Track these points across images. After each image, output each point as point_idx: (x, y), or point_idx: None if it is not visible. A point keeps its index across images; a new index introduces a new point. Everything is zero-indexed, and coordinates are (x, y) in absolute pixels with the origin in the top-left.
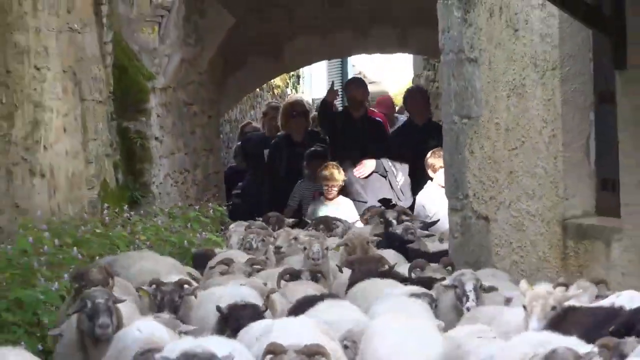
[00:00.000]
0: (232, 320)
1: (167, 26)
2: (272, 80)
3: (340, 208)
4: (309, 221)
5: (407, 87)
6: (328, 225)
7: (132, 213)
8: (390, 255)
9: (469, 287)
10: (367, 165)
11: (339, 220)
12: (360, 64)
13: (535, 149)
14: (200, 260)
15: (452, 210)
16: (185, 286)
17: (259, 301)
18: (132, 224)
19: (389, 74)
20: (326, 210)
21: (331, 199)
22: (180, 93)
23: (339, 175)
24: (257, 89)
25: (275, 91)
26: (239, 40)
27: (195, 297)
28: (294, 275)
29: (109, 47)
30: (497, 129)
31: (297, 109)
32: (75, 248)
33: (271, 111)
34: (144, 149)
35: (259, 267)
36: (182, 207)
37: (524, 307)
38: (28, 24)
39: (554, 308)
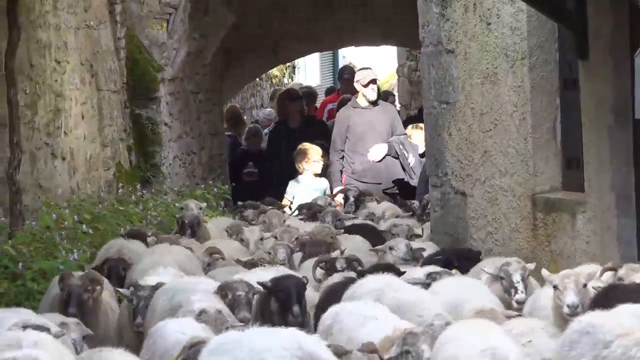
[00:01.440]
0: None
1: (175, 22)
2: (270, 71)
3: (313, 184)
4: (290, 200)
5: (392, 75)
6: (312, 210)
7: (144, 191)
8: (358, 241)
9: (517, 277)
10: (380, 150)
11: (320, 205)
12: (350, 55)
13: (507, 131)
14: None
15: (433, 186)
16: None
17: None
18: (145, 201)
19: (375, 64)
20: (298, 187)
21: (302, 174)
22: (187, 83)
23: (312, 151)
24: (257, 79)
25: (273, 80)
26: (239, 35)
27: None
28: None
29: (122, 42)
30: (472, 113)
31: (292, 94)
32: (92, 224)
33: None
34: (155, 133)
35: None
36: (189, 185)
37: (555, 287)
38: (49, 22)
39: (584, 285)
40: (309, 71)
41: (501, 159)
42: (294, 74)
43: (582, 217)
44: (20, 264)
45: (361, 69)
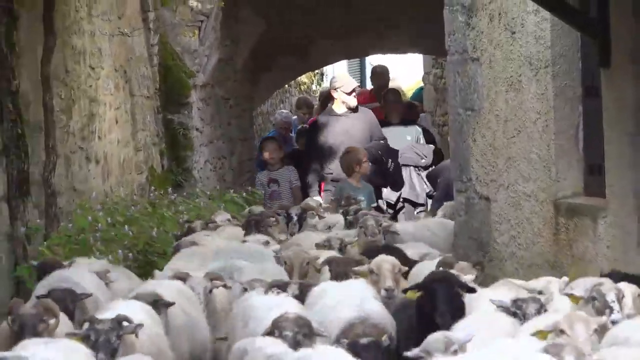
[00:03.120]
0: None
1: (206, 30)
2: (299, 77)
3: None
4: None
5: (418, 82)
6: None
7: (176, 195)
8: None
9: (611, 297)
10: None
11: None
12: (377, 62)
13: (530, 138)
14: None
15: (458, 191)
16: (125, 323)
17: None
18: (176, 204)
19: (402, 71)
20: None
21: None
22: (218, 89)
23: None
24: (286, 85)
25: (302, 87)
26: (269, 43)
27: (136, 335)
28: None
29: (155, 49)
30: (496, 120)
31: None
32: (126, 226)
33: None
34: (186, 138)
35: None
36: (220, 189)
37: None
38: (84, 29)
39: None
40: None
41: (524, 164)
42: (322, 80)
43: (604, 222)
44: (57, 265)
45: (340, 76)
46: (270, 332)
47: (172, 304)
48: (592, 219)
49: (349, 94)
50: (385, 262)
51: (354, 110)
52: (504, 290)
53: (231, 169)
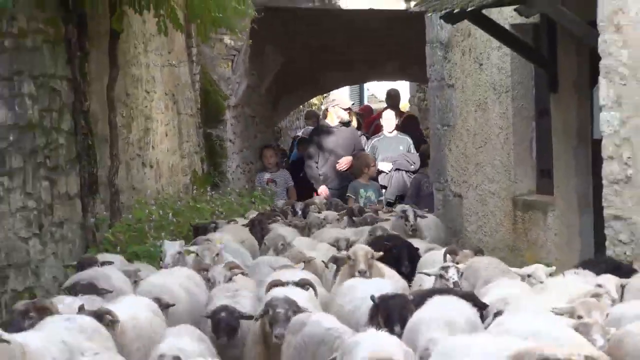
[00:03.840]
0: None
1: (237, 62)
2: (310, 100)
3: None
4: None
5: (405, 105)
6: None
7: (213, 192)
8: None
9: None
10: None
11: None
12: (373, 88)
13: (494, 148)
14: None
15: (437, 190)
16: (107, 316)
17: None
18: (213, 200)
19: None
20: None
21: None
22: (247, 109)
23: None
24: (300, 106)
25: (313, 107)
26: (287, 73)
27: (115, 330)
28: None
29: (197, 77)
30: (467, 133)
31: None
32: (173, 217)
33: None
34: (222, 148)
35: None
36: (248, 188)
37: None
38: (141, 61)
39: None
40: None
41: (489, 169)
42: None
43: (552, 215)
44: (118, 247)
45: (337, 96)
46: (265, 312)
47: (172, 305)
48: (542, 212)
49: (346, 109)
50: (360, 249)
51: (345, 124)
52: (507, 280)
53: (257, 172)
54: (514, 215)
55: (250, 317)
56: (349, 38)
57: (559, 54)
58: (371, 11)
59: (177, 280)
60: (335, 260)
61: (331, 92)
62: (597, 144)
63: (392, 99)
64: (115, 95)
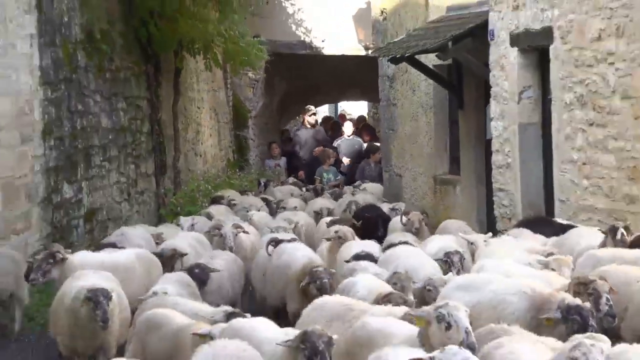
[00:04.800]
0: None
1: (257, 88)
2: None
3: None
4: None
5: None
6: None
7: (240, 173)
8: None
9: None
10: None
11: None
12: (344, 105)
13: (421, 145)
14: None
15: (385, 171)
16: (58, 254)
17: None
18: (240, 177)
19: (355, 110)
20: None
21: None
22: (262, 119)
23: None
24: (297, 117)
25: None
26: (288, 96)
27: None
28: None
29: (230, 98)
30: (405, 135)
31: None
32: (213, 188)
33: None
34: (246, 144)
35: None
36: (261, 170)
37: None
38: (194, 87)
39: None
40: (321, 112)
41: (418, 158)
42: (315, 114)
43: (459, 188)
44: (179, 208)
45: (309, 107)
46: (310, 282)
47: (185, 254)
48: (453, 186)
49: (310, 116)
50: (347, 230)
51: (313, 126)
52: (450, 238)
53: (266, 160)
54: (434, 188)
55: (216, 270)
56: (328, 73)
57: (464, 84)
58: (343, 56)
59: (187, 241)
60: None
61: (317, 109)
62: (488, 143)
63: (359, 120)
64: (178, 110)
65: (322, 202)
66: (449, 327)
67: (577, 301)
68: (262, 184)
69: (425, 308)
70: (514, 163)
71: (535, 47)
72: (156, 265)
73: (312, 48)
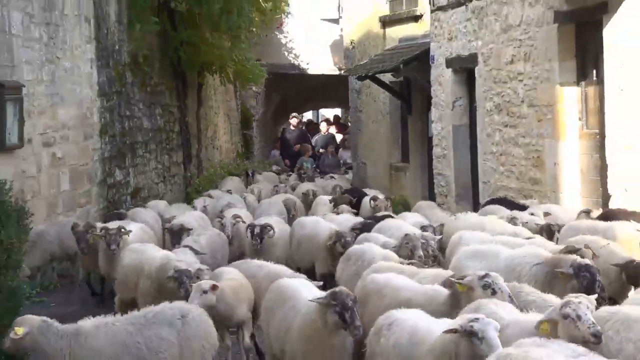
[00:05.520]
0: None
1: (258, 99)
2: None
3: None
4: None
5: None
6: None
7: (246, 161)
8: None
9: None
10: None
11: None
12: (323, 111)
13: (381, 140)
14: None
15: (354, 161)
16: (122, 229)
17: None
18: (246, 165)
19: (332, 115)
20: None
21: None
22: (262, 122)
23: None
24: (289, 120)
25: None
26: (281, 105)
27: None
28: None
29: (239, 106)
30: (368, 133)
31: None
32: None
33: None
34: (251, 140)
35: None
36: (262, 160)
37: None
38: (213, 98)
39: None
40: (306, 117)
41: (379, 150)
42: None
43: (408, 173)
44: (201, 187)
45: (293, 114)
46: (336, 241)
47: (190, 229)
48: (403, 172)
49: (291, 118)
50: (346, 208)
51: (296, 127)
52: (416, 215)
53: (270, 151)
54: (390, 173)
55: (202, 253)
56: (312, 88)
57: (412, 96)
58: (323, 75)
59: (193, 218)
60: (335, 200)
61: (304, 114)
62: (430, 139)
63: (334, 118)
64: (200, 115)
65: (308, 185)
66: (494, 292)
67: (587, 261)
68: (250, 172)
69: (468, 277)
70: (449, 154)
71: (464, 68)
72: (151, 237)
73: (300, 69)
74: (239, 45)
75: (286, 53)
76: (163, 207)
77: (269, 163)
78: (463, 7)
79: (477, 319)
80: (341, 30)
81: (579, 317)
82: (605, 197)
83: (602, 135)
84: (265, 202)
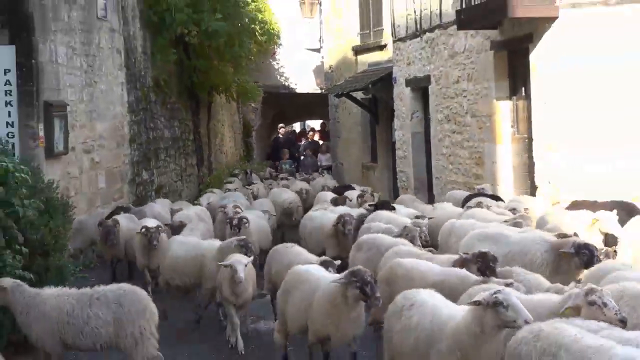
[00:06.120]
0: None
1: (256, 113)
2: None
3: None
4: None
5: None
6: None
7: (248, 162)
8: None
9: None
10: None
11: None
12: (308, 122)
13: (355, 145)
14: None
15: (333, 163)
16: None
17: None
18: (248, 165)
19: (315, 125)
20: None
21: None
22: (260, 132)
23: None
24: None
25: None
26: (276, 117)
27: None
28: None
29: (241, 119)
30: (346, 140)
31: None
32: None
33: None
34: (251, 146)
35: None
36: (261, 162)
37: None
38: (220, 113)
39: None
40: (295, 126)
41: (353, 153)
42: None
43: (377, 171)
44: (211, 185)
45: (280, 124)
46: (338, 222)
47: (186, 224)
48: (373, 170)
49: (279, 129)
50: (351, 193)
51: (283, 135)
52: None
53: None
54: (362, 171)
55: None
56: (299, 104)
57: (379, 109)
58: (308, 93)
59: (194, 211)
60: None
61: (293, 124)
62: (393, 144)
63: (321, 126)
64: (210, 127)
65: (301, 184)
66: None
67: (585, 241)
68: (249, 172)
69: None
70: (409, 156)
71: (420, 87)
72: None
73: (289, 89)
74: (240, 70)
75: (278, 76)
76: (167, 203)
77: (265, 165)
78: (418, 38)
79: (499, 290)
80: (322, 57)
81: (605, 304)
82: (533, 189)
83: (529, 139)
84: (259, 201)
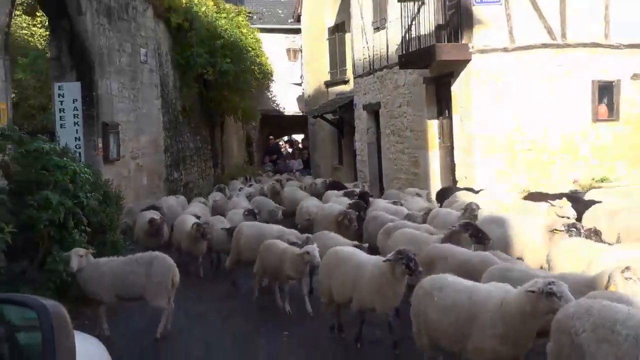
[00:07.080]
0: None
1: (256, 130)
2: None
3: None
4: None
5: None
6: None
7: (250, 166)
8: None
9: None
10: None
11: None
12: (295, 136)
13: (327, 152)
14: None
15: (315, 165)
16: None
17: None
18: (251, 168)
19: (299, 138)
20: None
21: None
22: (258, 143)
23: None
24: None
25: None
26: (270, 133)
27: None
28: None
29: (245, 134)
30: (322, 150)
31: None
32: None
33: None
34: (252, 153)
35: None
36: (259, 166)
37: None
38: (230, 131)
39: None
40: (283, 139)
41: (325, 158)
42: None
43: (342, 171)
44: (223, 183)
45: (270, 137)
46: (343, 217)
47: (199, 217)
48: (339, 170)
49: (271, 140)
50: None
51: (271, 145)
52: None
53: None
54: (332, 171)
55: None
56: (287, 122)
57: (344, 127)
58: (294, 115)
59: (196, 209)
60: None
61: (283, 137)
62: (354, 152)
63: (302, 141)
64: (223, 140)
65: (308, 179)
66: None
67: (572, 221)
68: (248, 177)
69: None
70: (365, 160)
71: (373, 110)
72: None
73: (279, 112)
74: (244, 99)
75: (271, 102)
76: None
77: (262, 169)
78: (372, 75)
79: (553, 282)
80: (303, 89)
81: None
82: (454, 182)
83: (451, 147)
84: (259, 199)
